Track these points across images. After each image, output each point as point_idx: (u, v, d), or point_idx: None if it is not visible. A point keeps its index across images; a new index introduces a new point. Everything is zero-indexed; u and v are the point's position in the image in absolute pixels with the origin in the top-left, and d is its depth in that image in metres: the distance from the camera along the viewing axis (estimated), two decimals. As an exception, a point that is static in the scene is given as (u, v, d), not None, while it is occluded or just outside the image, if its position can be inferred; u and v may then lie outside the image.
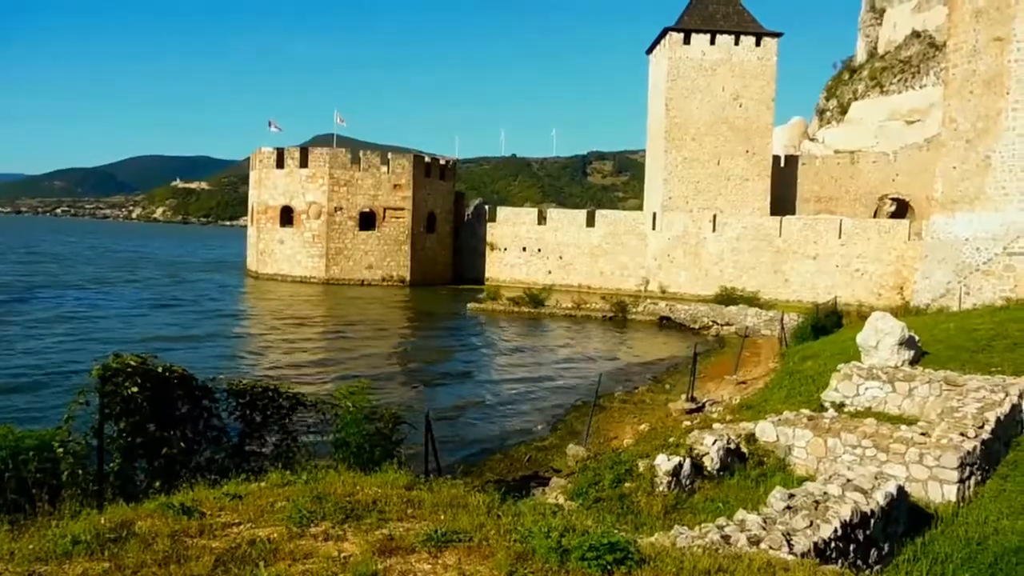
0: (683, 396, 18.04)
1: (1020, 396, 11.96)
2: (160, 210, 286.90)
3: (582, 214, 54.31)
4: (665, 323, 36.68)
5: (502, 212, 56.16)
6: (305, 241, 50.44)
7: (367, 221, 50.62)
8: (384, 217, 50.77)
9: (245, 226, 62.10)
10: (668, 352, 28.86)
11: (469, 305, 40.04)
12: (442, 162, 56.64)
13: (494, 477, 12.96)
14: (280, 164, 51.28)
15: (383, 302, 42.88)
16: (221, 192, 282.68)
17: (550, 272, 52.96)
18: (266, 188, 51.86)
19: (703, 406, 17.36)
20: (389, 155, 52.47)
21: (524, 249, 54.12)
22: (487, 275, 54.35)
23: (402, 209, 51.06)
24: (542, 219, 54.64)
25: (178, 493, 6.59)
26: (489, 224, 55.20)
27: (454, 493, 6.68)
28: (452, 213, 55.98)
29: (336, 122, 57.66)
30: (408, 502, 6.28)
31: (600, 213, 54.80)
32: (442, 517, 5.92)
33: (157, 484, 7.75)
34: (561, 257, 53.08)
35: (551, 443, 16.06)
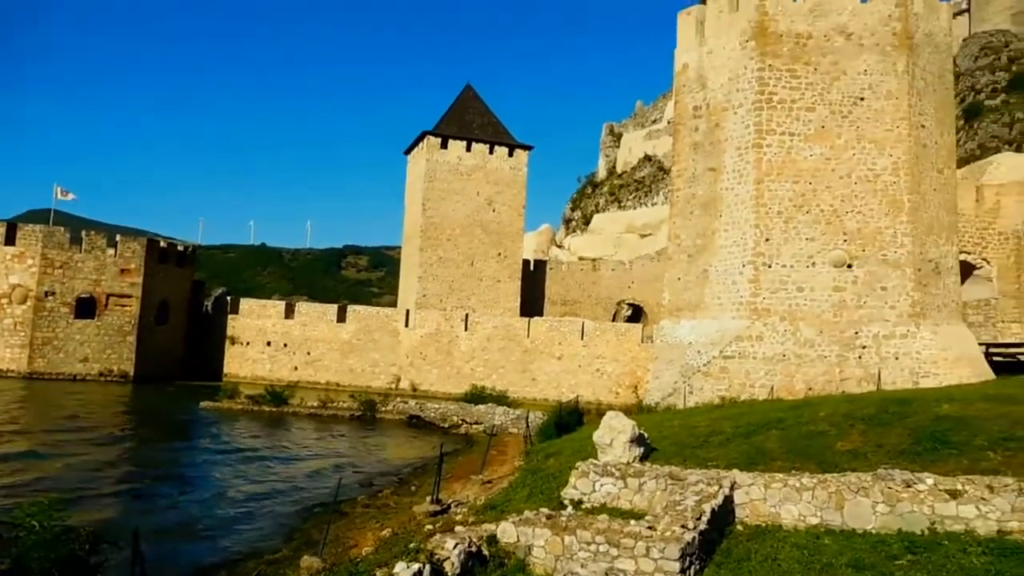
0: (428, 498, 17.82)
1: (732, 487, 13.17)
2: None
3: (333, 308, 53.42)
4: (415, 422, 36.53)
5: (246, 304, 53.74)
6: (5, 328, 44.45)
7: (86, 308, 45.89)
8: (107, 305, 46.39)
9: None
10: (416, 452, 28.60)
11: (202, 404, 37.25)
12: (180, 247, 53.41)
13: (213, 598, 11.78)
14: (-19, 240, 45.40)
15: (98, 400, 38.57)
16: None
17: (296, 368, 51.13)
18: (-41, 267, 45.46)
19: (448, 508, 17.24)
20: (118, 237, 48.52)
21: (269, 344, 51.94)
22: (226, 371, 51.24)
23: (129, 296, 47.03)
24: (290, 312, 52.97)
25: None
26: (231, 316, 52.48)
27: (153, 621, 5.89)
28: (189, 303, 52.60)
29: (56, 196, 52.48)
30: (91, 636, 5.43)
31: (352, 308, 54.27)
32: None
33: None
34: (309, 353, 51.55)
35: (284, 555, 14.98)
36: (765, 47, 35.74)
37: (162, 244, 51.24)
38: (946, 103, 38.39)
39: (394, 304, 71.74)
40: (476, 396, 41.47)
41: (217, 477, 22.88)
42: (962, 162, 53.88)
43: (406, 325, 51.26)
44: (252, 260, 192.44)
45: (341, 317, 52.25)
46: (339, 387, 48.12)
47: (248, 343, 51.97)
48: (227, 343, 51.92)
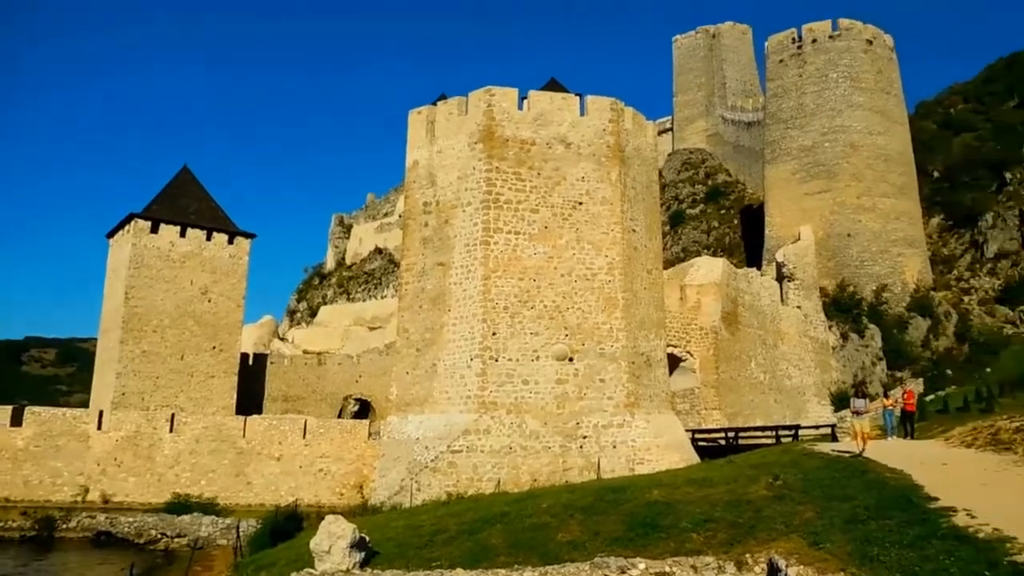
0: (112, 628, 15.77)
1: (455, 587, 13.07)
2: None
3: (6, 410, 46.61)
4: (104, 539, 32.74)
5: None
6: None
7: None
8: None
9: None
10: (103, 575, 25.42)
11: None
12: None
13: None
14: None
15: None
16: None
17: (-48, 484, 43.69)
18: None
19: (137, 638, 15.34)
20: None
21: (-85, 455, 44.04)
22: None
23: None
24: (-52, 416, 45.52)
25: None
26: None
27: None
28: None
29: None
30: None
31: (31, 410, 47.75)
32: None
33: None
34: (-30, 464, 44.37)
35: None
36: (492, 150, 38.08)
37: None
38: (653, 210, 43.21)
39: (87, 404, 64.51)
40: (180, 505, 38.10)
41: None
42: (668, 264, 60.57)
43: (99, 428, 46.07)
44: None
45: (16, 420, 45.72)
46: (9, 503, 41.73)
47: None
48: None
